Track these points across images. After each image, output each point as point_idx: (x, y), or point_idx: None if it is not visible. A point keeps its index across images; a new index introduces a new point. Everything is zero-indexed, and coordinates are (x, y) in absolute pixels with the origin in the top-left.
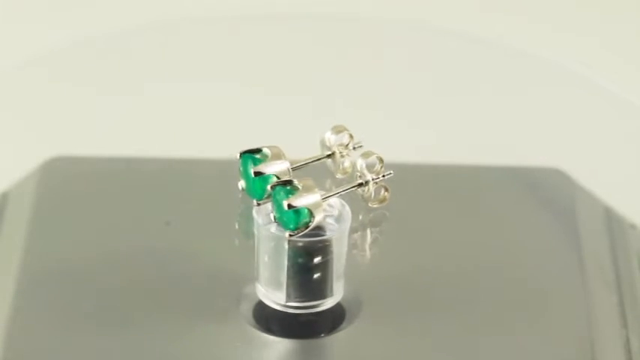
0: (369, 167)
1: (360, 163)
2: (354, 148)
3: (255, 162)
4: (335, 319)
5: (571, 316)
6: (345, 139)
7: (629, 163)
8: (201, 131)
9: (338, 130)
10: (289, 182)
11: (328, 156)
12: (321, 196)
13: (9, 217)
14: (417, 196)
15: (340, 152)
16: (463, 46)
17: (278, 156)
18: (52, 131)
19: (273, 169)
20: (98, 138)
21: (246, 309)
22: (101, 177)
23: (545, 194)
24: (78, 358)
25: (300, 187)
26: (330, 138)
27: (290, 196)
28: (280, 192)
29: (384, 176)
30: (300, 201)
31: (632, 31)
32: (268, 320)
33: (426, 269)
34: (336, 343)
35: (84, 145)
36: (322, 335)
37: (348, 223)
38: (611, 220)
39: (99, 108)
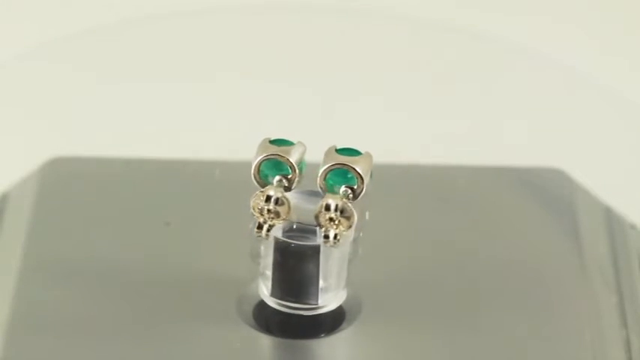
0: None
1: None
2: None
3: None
4: (335, 319)
5: (571, 316)
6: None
7: (629, 163)
8: (202, 131)
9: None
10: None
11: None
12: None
13: (9, 217)
14: (417, 196)
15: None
16: (463, 43)
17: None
18: (52, 131)
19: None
20: (98, 138)
21: (246, 310)
22: (101, 178)
23: (545, 194)
24: (77, 359)
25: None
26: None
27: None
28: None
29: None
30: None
31: (632, 30)
32: (268, 321)
33: (425, 269)
34: (336, 343)
35: (84, 146)
36: (322, 335)
37: (348, 237)
38: (611, 220)
39: (100, 108)
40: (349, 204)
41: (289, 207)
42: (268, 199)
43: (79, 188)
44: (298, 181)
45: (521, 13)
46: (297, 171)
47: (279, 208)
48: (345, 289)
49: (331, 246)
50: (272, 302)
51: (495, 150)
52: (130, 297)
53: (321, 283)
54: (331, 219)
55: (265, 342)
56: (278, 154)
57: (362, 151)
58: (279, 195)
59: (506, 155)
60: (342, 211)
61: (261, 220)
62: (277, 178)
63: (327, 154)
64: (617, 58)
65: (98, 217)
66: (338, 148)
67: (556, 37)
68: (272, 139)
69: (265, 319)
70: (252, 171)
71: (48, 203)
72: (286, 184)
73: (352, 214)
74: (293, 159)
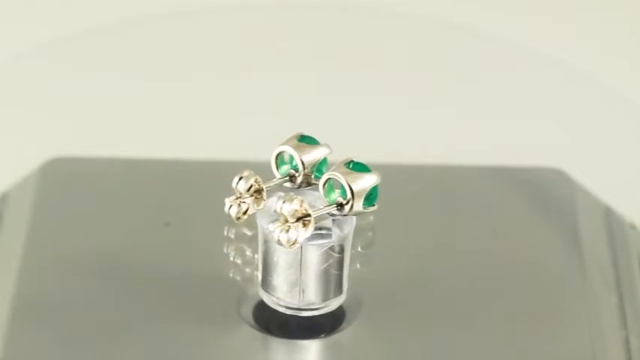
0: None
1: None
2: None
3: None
4: (335, 319)
5: (571, 316)
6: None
7: (629, 163)
8: (202, 131)
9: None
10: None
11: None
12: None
13: (9, 217)
14: (417, 196)
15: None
16: (462, 42)
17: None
18: (52, 131)
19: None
20: (98, 138)
21: (247, 310)
22: (101, 177)
23: (545, 194)
24: (77, 358)
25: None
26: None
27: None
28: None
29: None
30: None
31: (632, 30)
32: (268, 321)
33: (425, 270)
34: (336, 343)
35: (84, 146)
36: (322, 336)
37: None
38: (611, 220)
39: (99, 108)
40: (306, 214)
41: (262, 196)
42: (239, 180)
43: (79, 188)
44: (306, 179)
45: (521, 12)
46: (305, 169)
47: (248, 193)
48: (344, 294)
49: (281, 246)
50: (261, 293)
51: (495, 150)
52: (129, 297)
53: (301, 285)
54: (286, 221)
55: (265, 342)
56: (293, 148)
57: (371, 169)
58: (251, 181)
59: (506, 155)
60: (297, 218)
61: (228, 199)
62: (290, 171)
63: (339, 163)
64: (617, 58)
65: (98, 217)
66: (353, 160)
67: (556, 37)
68: (303, 135)
69: (265, 319)
70: (272, 159)
71: (48, 203)
72: (293, 180)
73: (308, 224)
74: (306, 157)
